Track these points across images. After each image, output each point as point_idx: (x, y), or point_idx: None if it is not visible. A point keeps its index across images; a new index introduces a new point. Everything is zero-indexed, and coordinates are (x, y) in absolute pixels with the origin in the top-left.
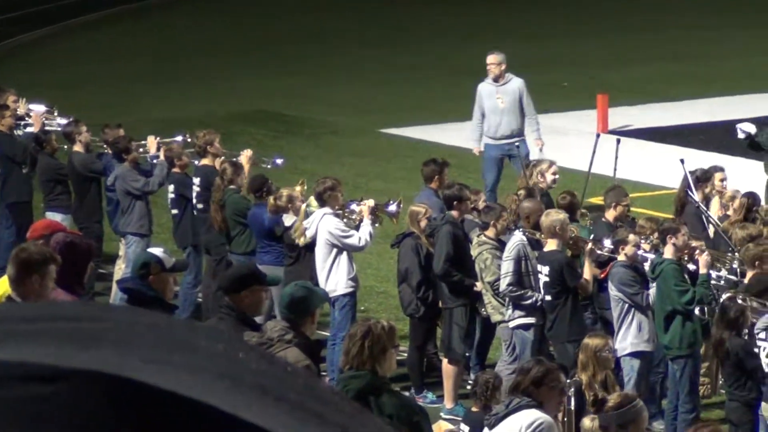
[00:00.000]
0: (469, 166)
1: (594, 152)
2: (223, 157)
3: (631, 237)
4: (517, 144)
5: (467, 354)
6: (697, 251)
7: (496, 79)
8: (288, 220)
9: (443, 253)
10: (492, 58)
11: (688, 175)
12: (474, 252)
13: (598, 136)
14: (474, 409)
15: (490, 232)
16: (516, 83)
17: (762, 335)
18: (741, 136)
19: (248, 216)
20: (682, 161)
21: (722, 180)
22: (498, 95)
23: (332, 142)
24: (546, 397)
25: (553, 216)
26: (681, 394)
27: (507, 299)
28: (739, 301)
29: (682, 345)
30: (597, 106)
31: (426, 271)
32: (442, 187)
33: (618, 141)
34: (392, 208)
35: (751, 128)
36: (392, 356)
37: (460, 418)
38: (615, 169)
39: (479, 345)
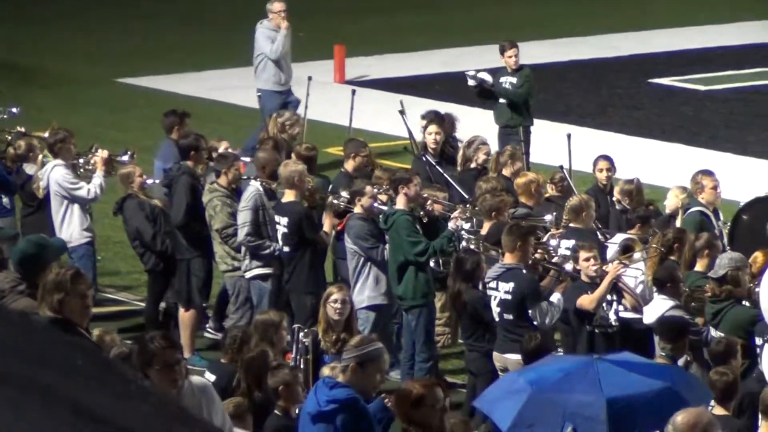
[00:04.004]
0: (205, 117)
1: (308, 95)
2: None
3: (368, 189)
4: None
5: (204, 304)
6: (429, 201)
7: (277, 26)
8: (29, 169)
9: (183, 204)
10: (282, 5)
11: (407, 124)
12: (205, 199)
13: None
14: (223, 360)
15: (222, 180)
16: None
17: (492, 284)
18: (471, 83)
19: None
20: (401, 112)
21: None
22: (283, 42)
23: (68, 92)
24: None
25: (292, 167)
26: (417, 344)
27: (244, 249)
28: (476, 250)
29: (416, 295)
30: (334, 57)
31: (156, 224)
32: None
33: (353, 92)
34: (125, 158)
35: (488, 77)
36: (72, 302)
37: (197, 367)
38: (350, 120)
39: (219, 295)
